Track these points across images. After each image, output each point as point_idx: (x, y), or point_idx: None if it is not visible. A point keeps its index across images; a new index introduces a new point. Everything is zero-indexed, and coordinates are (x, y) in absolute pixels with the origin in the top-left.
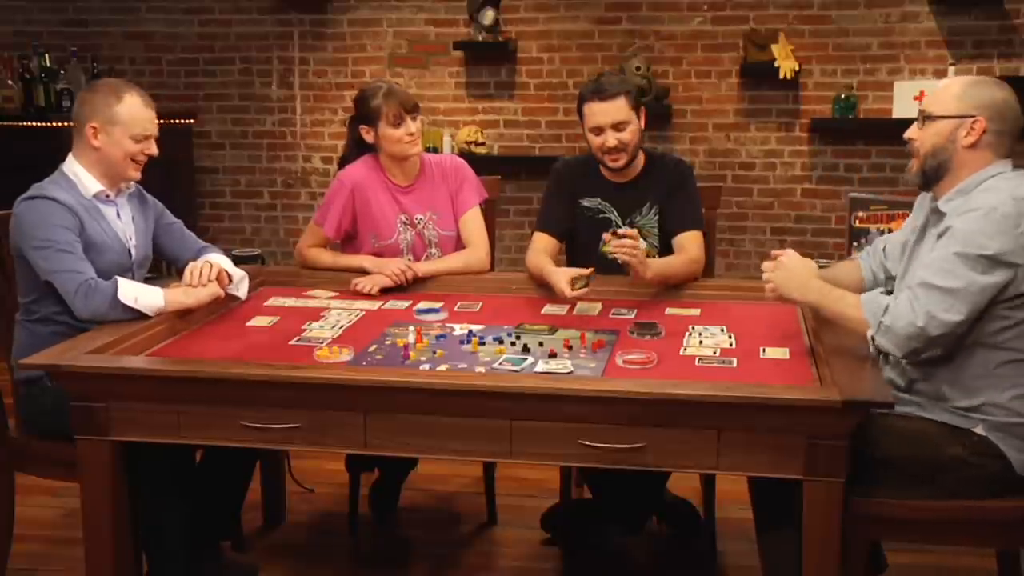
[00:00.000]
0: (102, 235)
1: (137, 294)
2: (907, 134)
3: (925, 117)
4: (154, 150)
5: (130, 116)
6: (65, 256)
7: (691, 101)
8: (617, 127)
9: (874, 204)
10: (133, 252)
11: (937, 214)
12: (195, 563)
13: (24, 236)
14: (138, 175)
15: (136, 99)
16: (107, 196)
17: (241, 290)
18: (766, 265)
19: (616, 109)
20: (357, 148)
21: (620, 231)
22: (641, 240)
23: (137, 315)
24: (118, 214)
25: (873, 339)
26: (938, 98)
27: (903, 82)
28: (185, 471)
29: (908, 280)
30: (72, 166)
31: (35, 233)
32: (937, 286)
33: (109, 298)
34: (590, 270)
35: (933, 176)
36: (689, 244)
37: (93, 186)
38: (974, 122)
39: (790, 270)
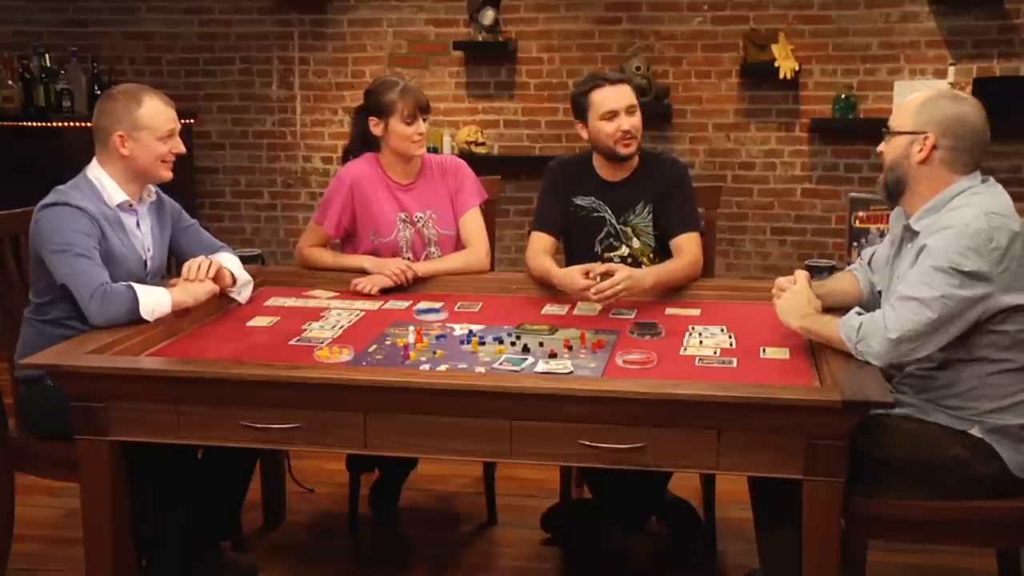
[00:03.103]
0: (121, 247)
1: (153, 306)
2: (878, 148)
3: (887, 132)
4: (181, 147)
5: (153, 118)
6: (82, 261)
7: (691, 101)
8: (630, 110)
9: (874, 204)
10: (149, 263)
11: (910, 232)
12: (195, 563)
13: (43, 240)
14: (170, 174)
15: (156, 100)
16: (130, 205)
17: (243, 295)
18: (778, 284)
19: (627, 93)
20: (363, 141)
21: (595, 272)
22: (635, 239)
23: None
24: (138, 224)
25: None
26: (898, 113)
27: (903, 82)
28: (187, 471)
29: (890, 295)
30: (96, 172)
31: (54, 238)
32: (914, 297)
33: (127, 305)
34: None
35: (895, 190)
36: (687, 246)
37: (117, 195)
38: (924, 138)
39: (793, 299)
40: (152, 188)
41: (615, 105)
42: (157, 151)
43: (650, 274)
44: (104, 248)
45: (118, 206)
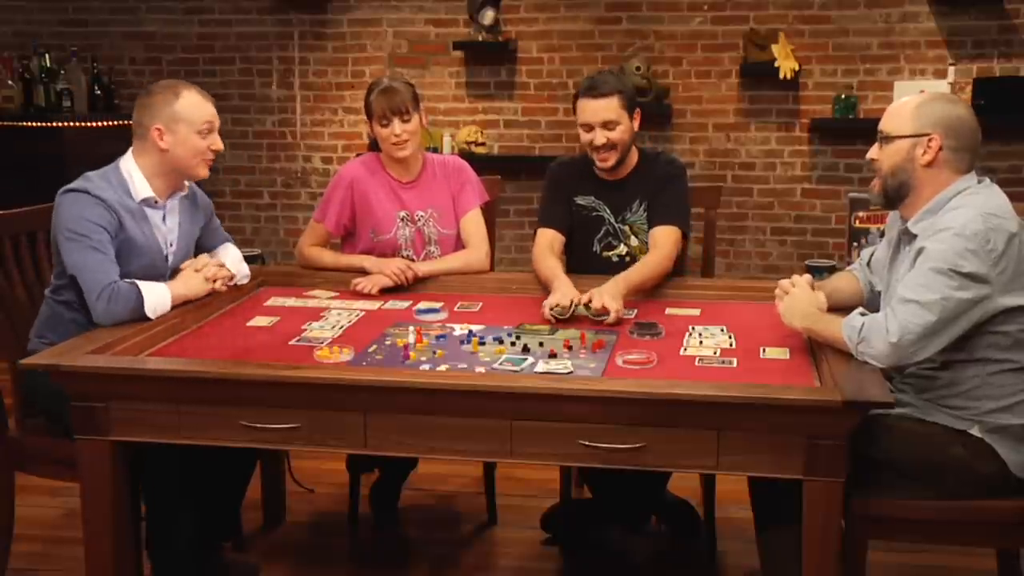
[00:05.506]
0: (142, 237)
1: (155, 305)
2: (869, 154)
3: (883, 138)
4: (219, 144)
5: (191, 111)
6: (94, 254)
7: (691, 101)
8: (607, 126)
9: (874, 204)
10: (170, 258)
11: (908, 235)
12: (195, 563)
13: (59, 224)
14: (207, 172)
15: (194, 93)
16: (156, 202)
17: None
18: (780, 287)
19: (606, 108)
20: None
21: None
22: (633, 237)
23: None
24: (164, 218)
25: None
26: (894, 117)
27: (903, 82)
28: (192, 471)
29: (889, 298)
30: (128, 164)
31: (69, 224)
32: (913, 300)
33: (132, 304)
34: (585, 298)
35: (896, 196)
36: (663, 240)
37: (144, 191)
38: (929, 140)
39: (796, 300)
40: (187, 183)
41: (590, 119)
42: (196, 146)
43: (621, 286)
44: (123, 237)
45: (142, 201)
